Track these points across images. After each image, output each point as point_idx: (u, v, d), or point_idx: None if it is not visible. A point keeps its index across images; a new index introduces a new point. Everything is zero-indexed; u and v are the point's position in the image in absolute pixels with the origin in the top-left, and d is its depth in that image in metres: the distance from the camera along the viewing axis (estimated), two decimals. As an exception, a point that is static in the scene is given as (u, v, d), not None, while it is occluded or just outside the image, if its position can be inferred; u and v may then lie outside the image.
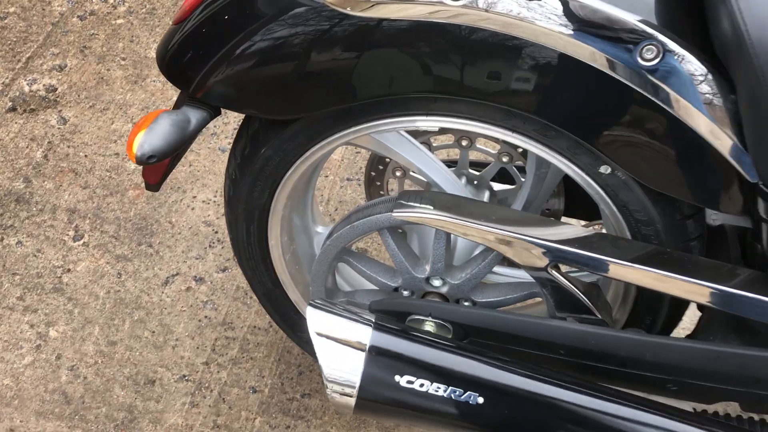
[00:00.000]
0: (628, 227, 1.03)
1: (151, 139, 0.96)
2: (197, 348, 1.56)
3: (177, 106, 1.07)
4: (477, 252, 1.11)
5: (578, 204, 1.29)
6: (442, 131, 1.16)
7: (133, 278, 1.66)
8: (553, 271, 1.00)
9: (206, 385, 1.52)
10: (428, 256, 1.10)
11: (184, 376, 1.52)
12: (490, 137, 1.02)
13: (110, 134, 1.91)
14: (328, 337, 0.97)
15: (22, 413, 1.46)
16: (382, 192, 1.40)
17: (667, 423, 0.97)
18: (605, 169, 0.98)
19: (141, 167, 1.17)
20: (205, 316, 1.61)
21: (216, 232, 1.74)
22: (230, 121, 1.96)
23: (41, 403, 1.48)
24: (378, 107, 1.01)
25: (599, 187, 1.01)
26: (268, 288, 1.31)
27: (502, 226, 0.98)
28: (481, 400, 0.97)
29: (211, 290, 1.65)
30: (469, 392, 0.97)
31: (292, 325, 1.36)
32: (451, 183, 1.17)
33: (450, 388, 0.97)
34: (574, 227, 1.07)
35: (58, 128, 1.91)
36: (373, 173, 1.38)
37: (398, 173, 1.35)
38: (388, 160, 1.34)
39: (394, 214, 1.01)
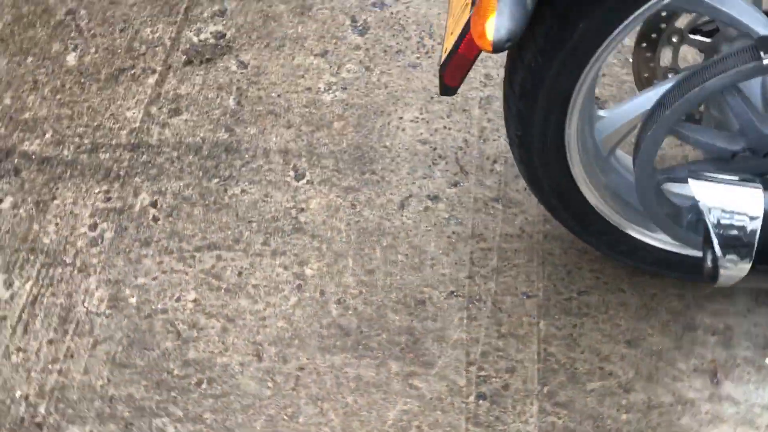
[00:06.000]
0: None
1: (504, 22, 0.90)
2: (455, 264, 1.53)
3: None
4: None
5: None
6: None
7: (368, 207, 1.62)
8: None
9: (477, 297, 1.49)
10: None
11: (453, 292, 1.50)
12: None
13: (295, 70, 1.85)
14: (720, 207, 0.91)
15: (306, 351, 1.46)
16: (651, 64, 1.32)
17: None
18: None
19: (439, 76, 1.11)
20: (453, 232, 1.57)
21: (434, 149, 1.69)
22: (411, 35, 1.88)
23: (320, 339, 1.47)
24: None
25: None
26: (560, 184, 1.25)
27: None
28: None
29: (449, 206, 1.60)
30: None
31: (583, 220, 1.31)
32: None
33: None
34: None
35: (241, 73, 1.86)
36: (644, 44, 1.29)
37: (674, 39, 1.27)
38: (663, 26, 1.26)
39: (767, 63, 0.93)
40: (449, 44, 1.09)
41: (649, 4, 0.99)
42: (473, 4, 1.04)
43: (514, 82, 1.15)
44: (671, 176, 1.14)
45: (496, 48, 0.90)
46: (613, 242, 1.33)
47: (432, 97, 1.77)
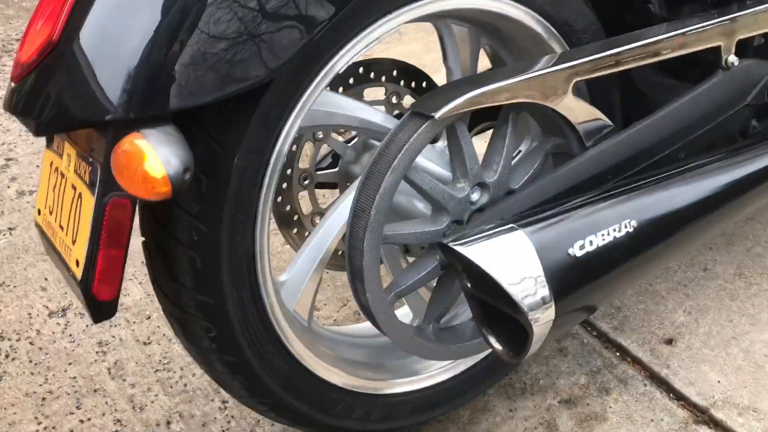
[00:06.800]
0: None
1: (168, 151, 0.65)
2: None
3: (115, 141, 0.72)
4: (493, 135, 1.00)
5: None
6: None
7: None
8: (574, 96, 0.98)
9: None
10: (452, 173, 0.96)
11: None
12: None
13: None
14: (501, 264, 0.79)
15: None
16: (296, 217, 1.18)
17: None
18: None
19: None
20: None
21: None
22: None
23: None
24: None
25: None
26: (292, 379, 0.98)
27: (534, 69, 0.93)
28: (634, 223, 0.89)
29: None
30: (626, 219, 0.89)
31: (332, 405, 1.05)
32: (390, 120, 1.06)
33: (612, 226, 0.87)
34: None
35: None
36: (279, 198, 1.16)
37: (305, 181, 1.16)
38: (289, 171, 1.14)
39: (438, 116, 0.86)
40: (80, 251, 0.78)
41: (286, 131, 0.87)
42: (93, 184, 0.77)
43: (182, 280, 0.88)
44: (399, 291, 0.98)
45: (176, 182, 0.65)
46: (366, 413, 1.08)
47: (43, 399, 1.32)
